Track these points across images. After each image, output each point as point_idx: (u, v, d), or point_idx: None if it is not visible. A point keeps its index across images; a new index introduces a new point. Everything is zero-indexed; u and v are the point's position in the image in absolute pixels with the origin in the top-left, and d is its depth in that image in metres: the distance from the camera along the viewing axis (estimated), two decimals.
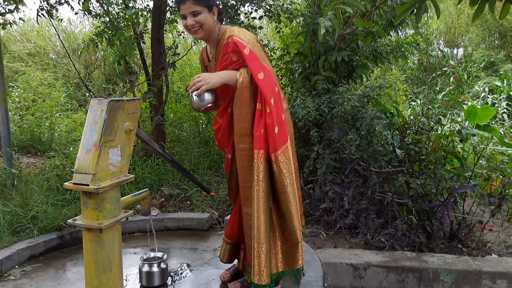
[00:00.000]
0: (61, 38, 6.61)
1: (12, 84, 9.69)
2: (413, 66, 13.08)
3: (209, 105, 2.28)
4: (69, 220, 2.19)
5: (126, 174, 2.30)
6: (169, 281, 2.73)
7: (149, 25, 5.30)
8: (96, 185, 2.06)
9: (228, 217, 3.67)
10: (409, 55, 5.35)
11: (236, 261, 2.71)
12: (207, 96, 2.25)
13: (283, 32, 5.09)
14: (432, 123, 3.14)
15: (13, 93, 9.11)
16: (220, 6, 2.40)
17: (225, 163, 2.56)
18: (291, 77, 4.58)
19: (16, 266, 2.92)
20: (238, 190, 2.50)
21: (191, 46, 6.92)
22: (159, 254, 2.76)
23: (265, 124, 2.17)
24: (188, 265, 2.98)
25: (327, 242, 3.34)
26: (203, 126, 6.02)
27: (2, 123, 4.47)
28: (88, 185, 2.05)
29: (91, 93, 6.13)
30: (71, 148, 5.32)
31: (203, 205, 4.11)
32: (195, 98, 2.24)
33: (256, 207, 2.18)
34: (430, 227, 3.10)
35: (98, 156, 2.07)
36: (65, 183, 2.16)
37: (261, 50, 2.33)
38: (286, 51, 4.82)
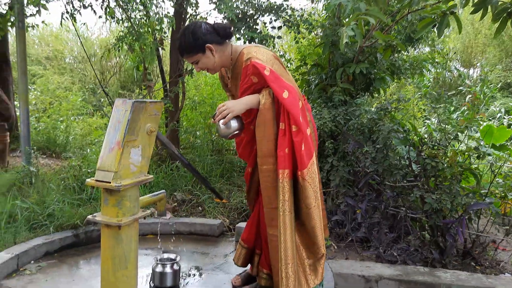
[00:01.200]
0: (82, 42, 6.73)
1: (30, 87, 9.88)
2: (429, 84, 13.06)
3: (236, 132, 2.30)
4: (89, 216, 2.23)
5: (146, 174, 2.34)
6: (181, 283, 2.75)
7: (168, 32, 5.39)
8: (118, 182, 2.10)
9: (239, 224, 3.69)
10: (425, 72, 5.36)
11: (248, 267, 2.73)
12: (234, 124, 2.27)
13: (301, 42, 5.14)
14: (449, 139, 3.14)
15: (30, 95, 9.29)
16: (220, 27, 2.31)
17: (245, 174, 2.59)
18: (307, 88, 4.62)
19: (32, 261, 2.97)
20: (257, 197, 2.52)
21: None
22: (172, 256, 2.79)
23: (290, 143, 2.17)
24: (199, 269, 3.00)
25: (338, 254, 3.34)
26: (216, 135, 6.08)
27: (23, 122, 4.56)
28: (110, 182, 2.10)
29: (108, 97, 6.22)
30: (88, 150, 5.40)
31: (215, 212, 4.14)
32: (221, 126, 2.26)
33: (283, 227, 2.18)
34: (443, 243, 3.08)
35: (121, 154, 2.12)
36: (87, 180, 2.21)
37: (281, 67, 2.32)
38: (303, 62, 4.87)
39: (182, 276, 2.82)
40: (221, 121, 2.25)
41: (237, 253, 2.69)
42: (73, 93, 9.97)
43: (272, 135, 2.21)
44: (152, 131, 2.30)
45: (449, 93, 12.36)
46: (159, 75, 5.80)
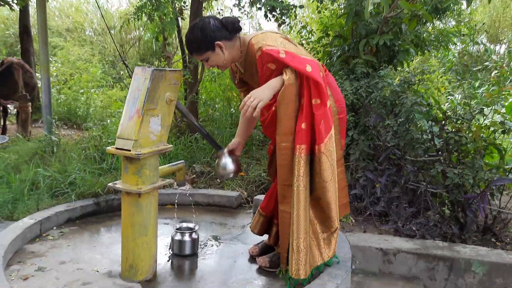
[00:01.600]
0: (102, 14, 6.72)
1: (51, 59, 9.95)
2: (453, 58, 12.69)
3: (231, 175, 2.58)
4: (109, 183, 2.26)
5: (165, 143, 2.35)
6: (199, 251, 2.78)
7: (188, 1, 5.33)
8: (138, 151, 2.12)
9: (257, 196, 3.70)
10: (451, 46, 5.19)
11: (265, 237, 2.74)
12: (230, 166, 2.56)
13: (323, 13, 5.02)
14: (474, 113, 3.05)
15: (52, 67, 9.37)
16: (224, 21, 2.29)
17: (268, 149, 2.60)
18: (328, 60, 4.53)
19: (54, 228, 3.04)
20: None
21: None
22: (191, 225, 2.82)
23: (309, 118, 2.15)
24: (217, 238, 3.03)
25: (356, 227, 3.33)
26: (236, 107, 6.05)
27: (45, 92, 4.61)
28: (130, 150, 2.11)
29: (128, 69, 6.24)
30: (108, 121, 5.45)
31: (233, 184, 4.15)
32: (220, 169, 2.56)
33: (296, 202, 2.18)
34: (463, 219, 3.04)
35: (140, 123, 2.13)
36: (107, 148, 2.23)
37: (293, 45, 2.29)
38: (325, 33, 4.76)
39: (200, 245, 2.86)
40: (226, 155, 2.55)
41: (254, 221, 2.71)
42: (93, 65, 10.04)
43: (294, 112, 2.18)
44: (171, 100, 2.29)
45: (474, 68, 12.01)
46: (179, 46, 5.76)
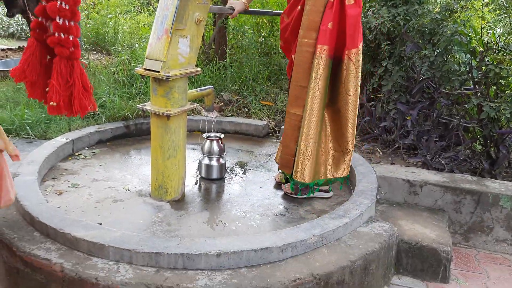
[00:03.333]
0: None
1: None
2: None
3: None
4: (138, 105, 2.28)
5: (194, 66, 2.32)
6: (226, 176, 2.84)
7: None
8: (166, 72, 2.10)
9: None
10: None
11: None
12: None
13: None
14: None
15: None
16: None
17: (288, 66, 2.51)
18: None
19: (86, 148, 3.14)
20: None
21: None
22: (218, 134, 2.82)
23: (337, 18, 2.06)
24: (244, 165, 3.07)
25: (384, 159, 3.30)
26: (266, 35, 5.87)
27: None
28: (158, 71, 2.09)
29: None
30: (136, 45, 5.41)
31: (261, 113, 4.14)
32: None
33: (310, 105, 2.15)
34: (495, 154, 2.97)
35: (169, 43, 2.09)
36: (136, 68, 2.22)
37: None
38: None
39: (227, 170, 2.90)
40: None
41: (278, 153, 2.71)
42: None
43: (322, 7, 2.11)
44: (200, 21, 2.23)
45: None
46: None
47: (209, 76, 4.73)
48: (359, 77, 2.18)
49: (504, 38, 3.02)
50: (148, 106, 2.23)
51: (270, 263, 1.85)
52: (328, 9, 2.07)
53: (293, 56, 2.39)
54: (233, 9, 2.53)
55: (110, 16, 8.24)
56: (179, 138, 2.28)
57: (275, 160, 2.79)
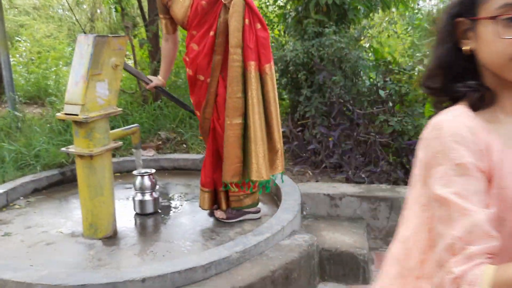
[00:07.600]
0: None
1: (19, 38, 9.76)
2: (421, 16, 12.76)
3: None
4: (62, 148, 2.39)
5: (115, 107, 2.47)
6: (161, 210, 2.94)
7: None
8: (86, 114, 2.24)
9: None
10: (411, 3, 5.29)
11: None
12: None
13: None
14: (413, 64, 3.23)
15: (20, 47, 9.21)
16: None
17: (196, 97, 2.71)
18: (284, 22, 4.62)
19: (21, 198, 3.16)
20: (209, 133, 2.64)
21: None
22: (148, 170, 2.92)
23: (256, 38, 2.40)
24: (180, 198, 3.20)
25: (313, 179, 3.53)
26: None
27: (5, 68, 4.61)
28: (77, 114, 2.23)
29: None
30: None
31: (198, 148, 4.30)
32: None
33: (252, 112, 2.41)
34: (408, 164, 3.26)
35: (86, 88, 2.24)
36: (57, 114, 2.34)
37: None
38: None
39: (162, 204, 3.01)
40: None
41: (201, 199, 2.74)
42: (60, 41, 9.87)
43: (242, 27, 2.40)
44: (117, 65, 2.40)
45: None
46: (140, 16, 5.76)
47: (146, 117, 4.86)
48: (276, 88, 2.50)
49: (403, 59, 3.37)
50: (72, 149, 2.35)
51: (195, 282, 1.98)
52: (248, 30, 2.39)
53: (207, 80, 2.54)
54: (151, 81, 2.77)
55: (53, 69, 8.26)
56: (104, 176, 2.39)
57: (200, 206, 2.77)
